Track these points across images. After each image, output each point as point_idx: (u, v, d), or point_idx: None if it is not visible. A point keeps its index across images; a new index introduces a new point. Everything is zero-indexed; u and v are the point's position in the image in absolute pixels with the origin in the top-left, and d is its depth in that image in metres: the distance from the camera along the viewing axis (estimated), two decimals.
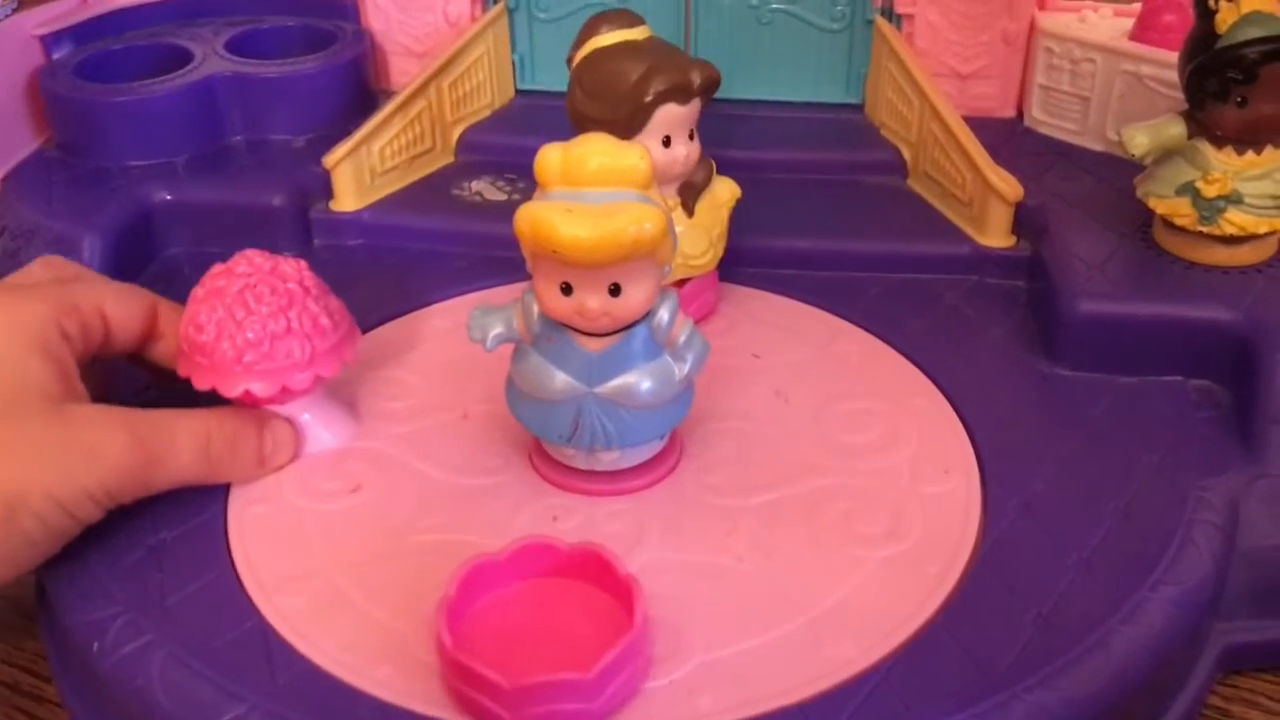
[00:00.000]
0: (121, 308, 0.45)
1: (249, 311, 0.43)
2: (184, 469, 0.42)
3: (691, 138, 0.50)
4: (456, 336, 0.50)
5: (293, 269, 0.45)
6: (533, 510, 0.44)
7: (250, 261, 0.44)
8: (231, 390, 0.43)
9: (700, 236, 0.51)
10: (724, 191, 0.53)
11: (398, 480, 0.45)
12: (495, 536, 0.41)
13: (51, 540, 0.40)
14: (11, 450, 0.38)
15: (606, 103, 0.48)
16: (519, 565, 0.39)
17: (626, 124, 0.47)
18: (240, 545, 0.43)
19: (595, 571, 0.38)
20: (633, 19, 0.50)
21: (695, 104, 0.49)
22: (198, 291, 0.44)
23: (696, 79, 0.48)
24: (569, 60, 0.50)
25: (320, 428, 0.47)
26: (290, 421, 0.46)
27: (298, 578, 0.41)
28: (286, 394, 0.44)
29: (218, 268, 0.45)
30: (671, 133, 0.48)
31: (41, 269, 0.46)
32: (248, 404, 0.45)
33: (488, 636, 0.37)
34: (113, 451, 0.40)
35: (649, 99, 0.47)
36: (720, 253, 0.53)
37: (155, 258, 0.60)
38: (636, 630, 0.35)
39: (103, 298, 0.44)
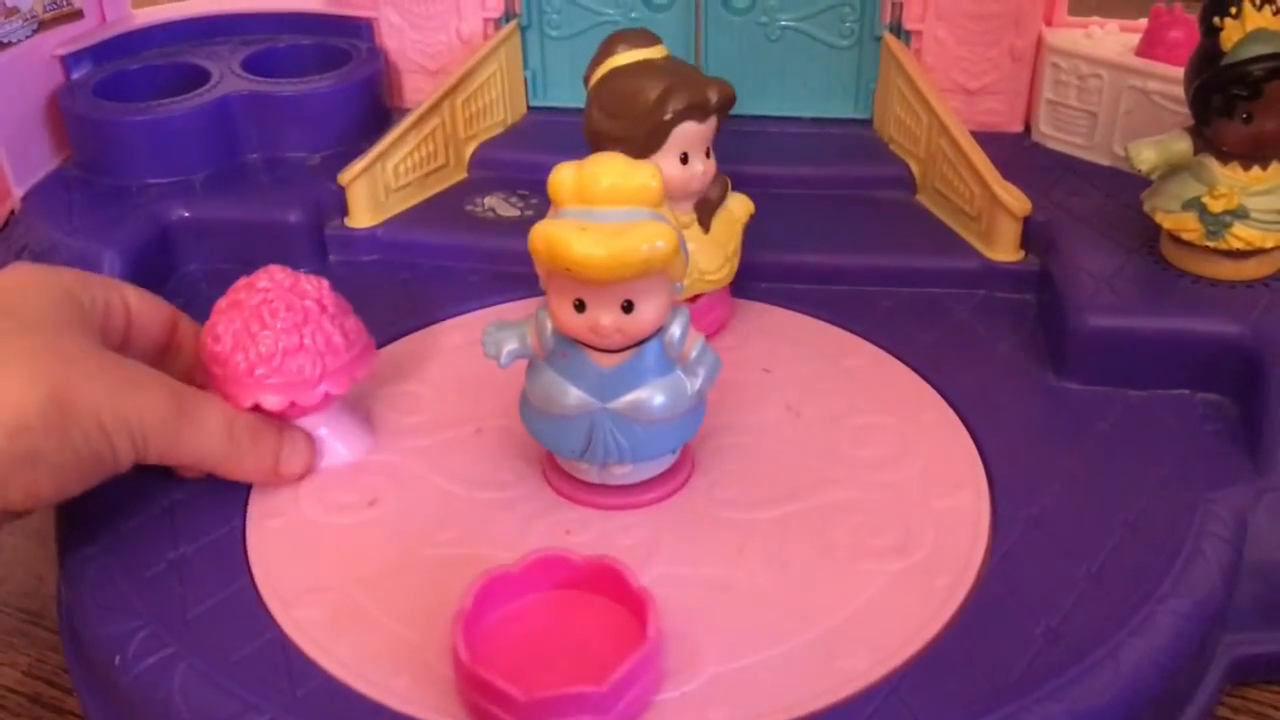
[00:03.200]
0: (144, 305, 0.46)
1: (264, 325, 0.44)
2: (208, 441, 0.43)
3: (708, 155, 0.50)
4: (470, 351, 0.50)
5: (313, 286, 0.46)
6: (546, 524, 0.44)
7: (272, 277, 0.45)
8: (243, 401, 0.44)
9: (715, 252, 0.52)
10: (739, 208, 0.53)
11: (414, 494, 0.46)
12: (509, 550, 0.42)
13: (84, 467, 0.39)
14: (62, 355, 0.39)
15: (625, 121, 0.48)
16: (534, 578, 0.39)
17: (645, 142, 0.48)
18: (259, 559, 0.43)
19: (609, 584, 0.39)
20: (650, 38, 0.51)
21: (712, 121, 0.50)
22: (220, 303, 0.45)
23: (714, 97, 0.49)
24: (586, 79, 0.51)
25: (336, 441, 0.47)
26: (307, 434, 0.47)
27: (315, 590, 0.42)
28: (297, 409, 0.45)
29: (241, 281, 0.46)
30: (689, 150, 0.49)
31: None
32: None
33: (504, 648, 0.37)
34: (152, 391, 0.41)
35: (668, 117, 0.48)
36: (735, 268, 0.53)
37: (173, 274, 0.61)
38: (650, 643, 0.36)
39: (126, 290, 0.46)
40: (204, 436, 0.43)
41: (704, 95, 0.48)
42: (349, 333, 0.46)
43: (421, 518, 0.45)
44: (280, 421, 0.46)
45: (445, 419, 0.50)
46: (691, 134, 0.49)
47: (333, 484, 0.47)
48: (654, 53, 0.50)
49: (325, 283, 0.46)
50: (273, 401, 0.44)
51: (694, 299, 0.52)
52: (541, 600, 0.39)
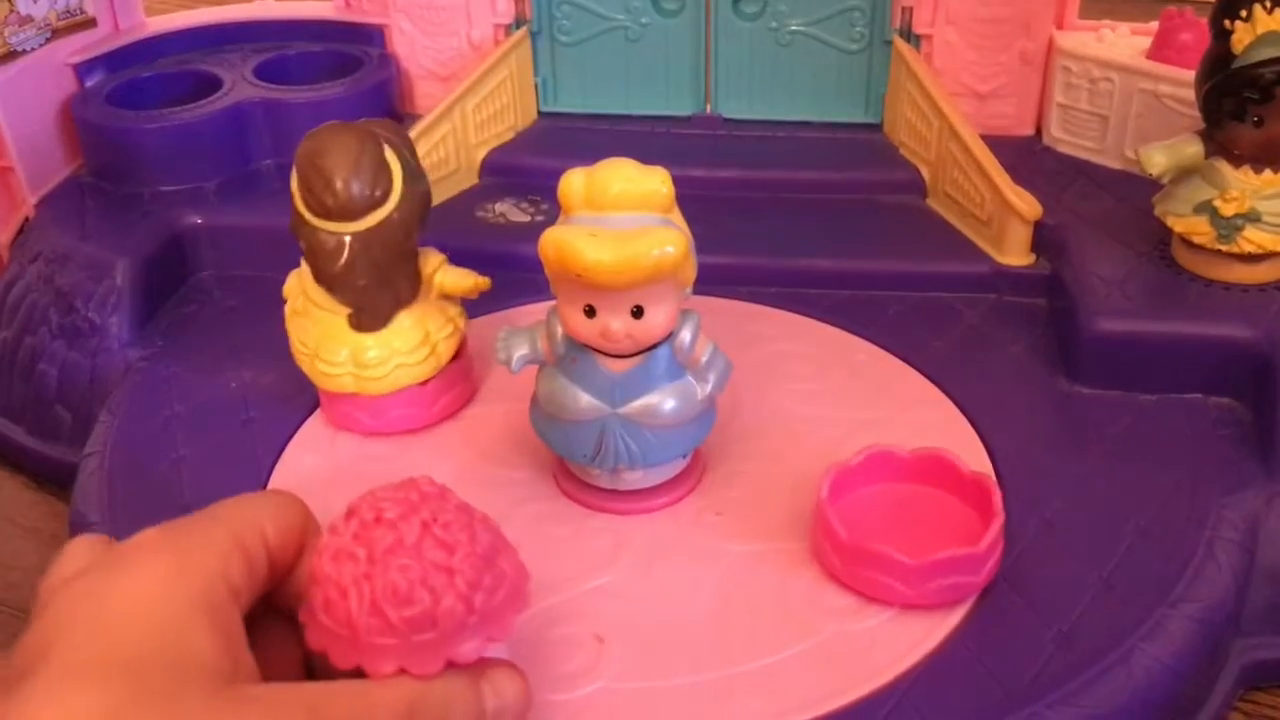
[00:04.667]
0: (279, 521, 0.34)
1: (450, 550, 0.31)
2: None
3: None
4: (482, 357, 0.51)
5: (430, 485, 0.33)
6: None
7: (395, 500, 0.32)
8: (469, 658, 0.32)
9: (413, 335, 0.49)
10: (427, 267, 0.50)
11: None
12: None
13: None
14: None
15: None
16: (871, 470, 0.44)
17: None
18: None
19: (942, 475, 0.44)
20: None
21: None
22: (353, 567, 0.31)
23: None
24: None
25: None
26: (510, 664, 0.34)
27: None
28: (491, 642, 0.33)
29: (357, 525, 0.32)
30: None
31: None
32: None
33: (863, 526, 0.41)
34: None
35: None
36: (454, 344, 0.50)
37: (186, 281, 0.61)
38: (1000, 515, 0.41)
39: (263, 519, 0.34)
40: None
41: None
42: (484, 515, 0.34)
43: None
44: (463, 673, 0.33)
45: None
46: None
47: None
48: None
49: (426, 476, 0.34)
50: (473, 647, 0.32)
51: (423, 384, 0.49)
52: (878, 491, 0.44)
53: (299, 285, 0.49)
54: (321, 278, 0.47)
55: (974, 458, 0.47)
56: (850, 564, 0.40)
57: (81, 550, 0.34)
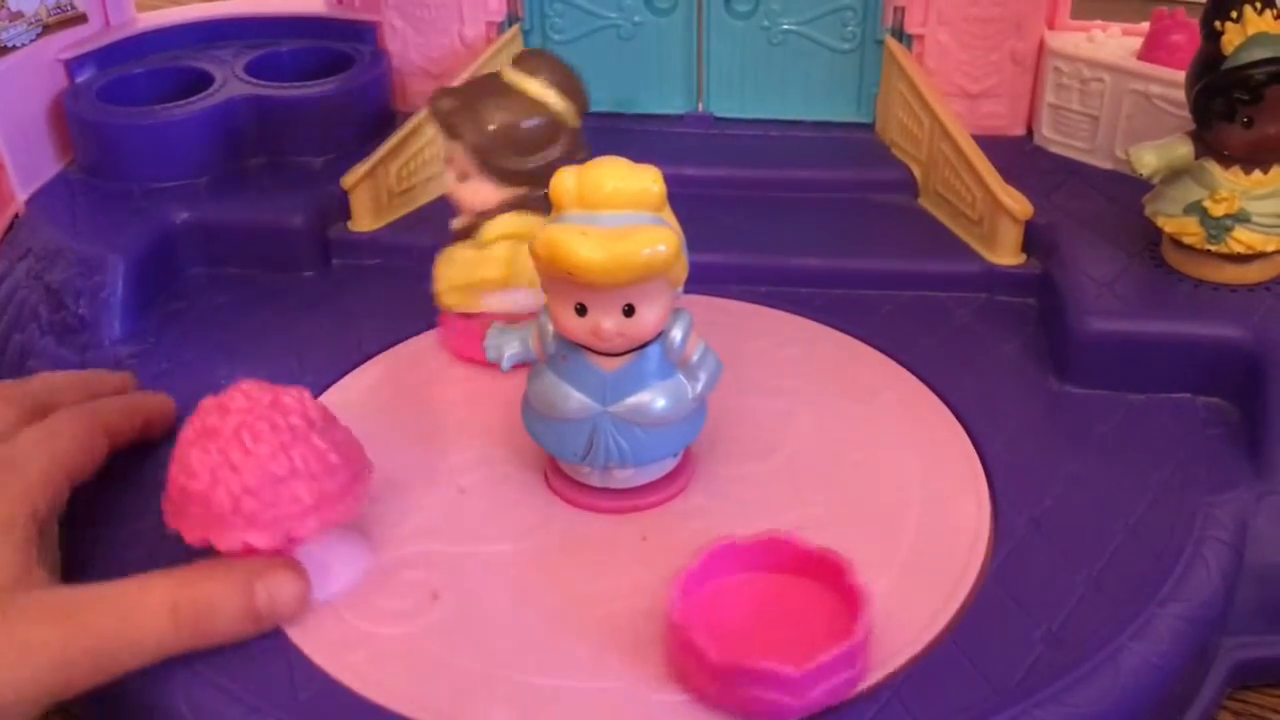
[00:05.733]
0: (77, 459, 0.42)
1: (246, 452, 0.38)
2: (148, 647, 0.37)
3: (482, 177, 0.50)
4: None
5: (294, 399, 0.40)
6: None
7: (247, 395, 0.39)
8: (228, 544, 0.38)
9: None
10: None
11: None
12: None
13: None
14: None
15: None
16: (762, 555, 0.40)
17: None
18: None
19: (831, 576, 0.39)
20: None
21: (457, 144, 0.50)
22: (187, 432, 0.39)
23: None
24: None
25: (331, 565, 0.41)
26: (292, 566, 0.40)
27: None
28: (291, 544, 0.39)
29: (208, 402, 0.40)
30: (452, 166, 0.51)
31: (2, 407, 0.44)
32: (244, 555, 0.39)
33: (718, 613, 0.38)
34: (48, 649, 0.35)
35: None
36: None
37: (177, 277, 0.61)
38: (856, 640, 0.36)
39: (70, 439, 0.42)
40: (140, 649, 0.37)
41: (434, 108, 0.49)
42: (342, 448, 0.40)
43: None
44: (251, 563, 0.39)
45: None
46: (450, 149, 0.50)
47: None
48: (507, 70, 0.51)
49: (306, 393, 0.41)
50: (263, 540, 0.38)
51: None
52: (764, 579, 0.40)
53: (521, 227, 0.50)
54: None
55: (965, 456, 0.47)
56: (722, 685, 0.36)
57: None
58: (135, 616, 0.37)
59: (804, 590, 0.40)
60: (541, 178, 0.48)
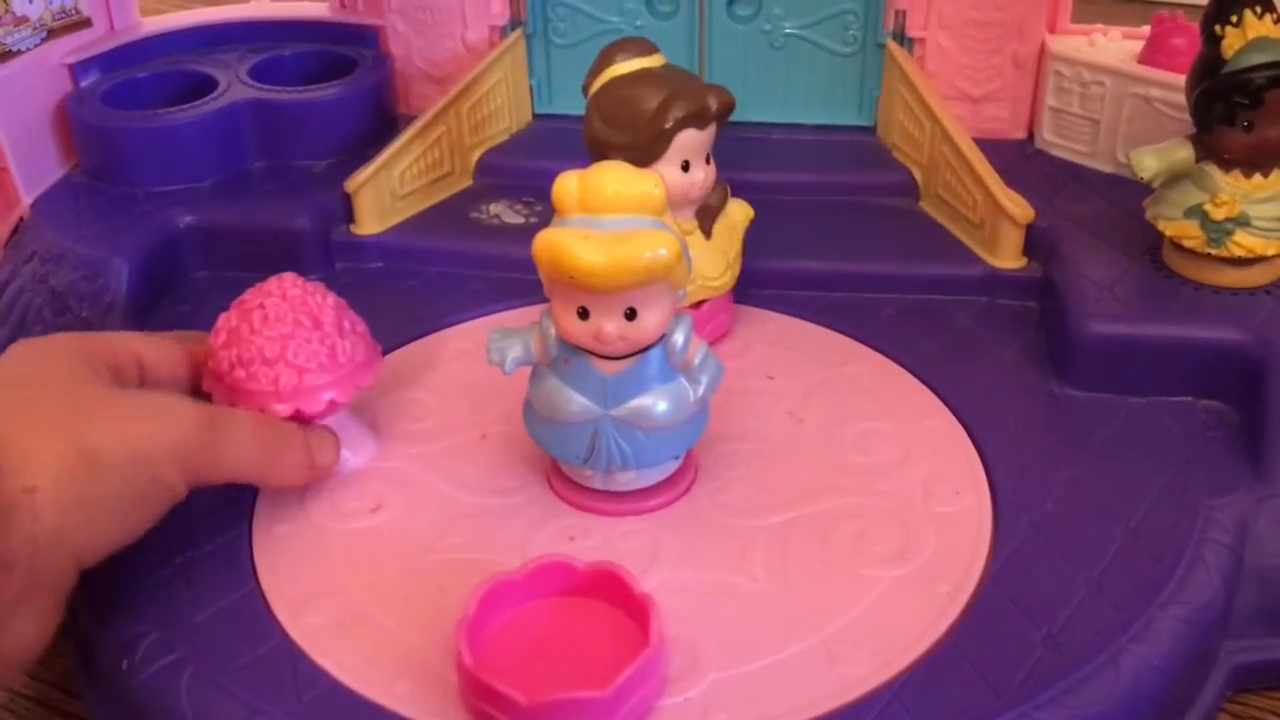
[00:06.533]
0: (154, 351, 0.46)
1: (252, 330, 0.44)
2: (245, 454, 0.43)
3: (708, 161, 0.51)
4: (475, 358, 0.51)
5: (316, 303, 0.46)
6: (550, 530, 0.45)
7: (282, 287, 0.45)
8: (218, 398, 0.45)
9: (718, 258, 0.52)
10: (738, 213, 0.54)
11: (419, 499, 0.46)
12: (513, 555, 0.42)
13: (138, 503, 0.40)
14: (78, 409, 0.39)
15: (627, 130, 0.49)
16: (537, 583, 0.39)
17: (647, 150, 0.48)
18: (266, 564, 0.44)
19: (612, 590, 0.39)
20: (648, 47, 0.51)
21: (712, 129, 0.50)
22: (236, 306, 0.46)
23: (713, 104, 0.49)
24: (585, 88, 0.51)
25: (343, 448, 0.47)
26: (328, 428, 0.47)
27: (320, 595, 0.42)
28: (301, 415, 0.45)
29: (260, 285, 0.46)
30: (690, 157, 0.49)
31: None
32: None
33: (507, 654, 0.38)
34: (179, 416, 0.41)
35: (669, 125, 0.48)
36: (737, 273, 0.54)
37: (181, 280, 0.61)
38: (652, 649, 0.36)
39: (133, 342, 0.45)
40: (239, 449, 0.43)
41: (704, 103, 0.49)
42: (351, 343, 0.46)
43: (426, 524, 0.45)
44: (298, 421, 0.46)
45: (450, 425, 0.50)
46: (692, 141, 0.49)
47: (339, 490, 0.47)
48: (652, 61, 0.50)
49: (332, 296, 0.46)
50: (239, 406, 0.44)
51: (697, 305, 0.53)
52: (545, 606, 0.40)
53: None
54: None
55: (966, 459, 0.48)
56: (470, 694, 0.36)
57: None
58: (235, 429, 0.43)
59: (587, 609, 0.39)
60: None
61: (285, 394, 0.44)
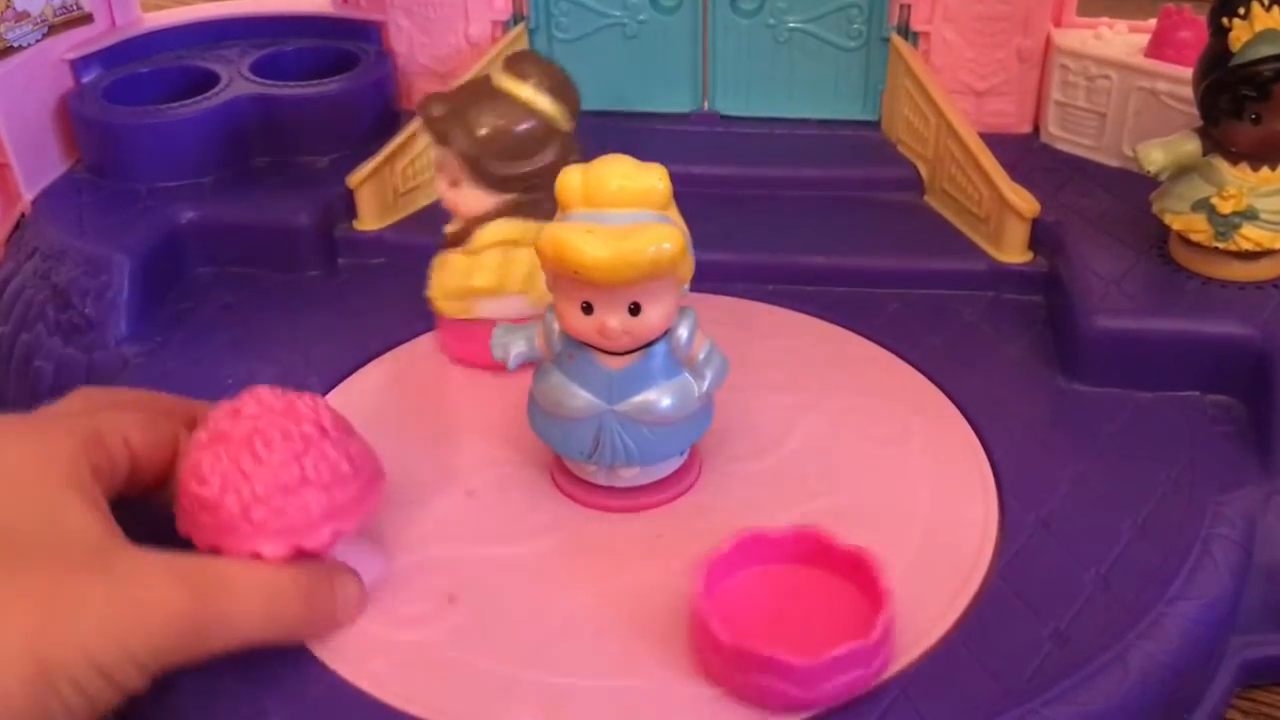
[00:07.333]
0: (147, 439, 0.39)
1: (257, 460, 0.37)
2: (248, 629, 0.36)
3: (461, 185, 0.50)
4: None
5: (308, 407, 0.39)
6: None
7: (260, 400, 0.38)
8: (237, 551, 0.37)
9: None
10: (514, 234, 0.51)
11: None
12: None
13: (89, 711, 0.33)
14: (49, 606, 0.33)
15: None
16: (743, 555, 0.40)
17: None
18: None
19: (813, 553, 0.40)
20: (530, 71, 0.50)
21: (450, 152, 0.49)
22: (200, 435, 0.38)
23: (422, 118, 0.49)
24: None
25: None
26: (350, 570, 0.40)
27: None
28: (301, 554, 0.38)
29: (224, 407, 0.39)
30: (441, 172, 0.50)
31: (80, 402, 0.42)
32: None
33: (744, 623, 0.37)
34: (165, 609, 0.34)
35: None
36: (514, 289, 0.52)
37: (183, 277, 0.61)
38: (893, 596, 0.37)
39: (128, 427, 0.39)
40: (242, 628, 0.36)
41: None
42: (355, 458, 0.39)
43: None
44: (329, 563, 0.39)
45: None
46: (440, 155, 0.49)
47: None
48: (515, 86, 0.50)
49: (321, 400, 0.40)
50: (273, 549, 0.37)
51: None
52: (752, 575, 0.40)
53: (513, 233, 0.50)
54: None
55: (972, 455, 0.47)
56: (731, 669, 0.37)
57: None
58: (243, 594, 0.36)
59: (830, 586, 0.40)
60: (534, 183, 0.48)
61: (316, 519, 0.38)
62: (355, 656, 0.39)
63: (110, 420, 0.39)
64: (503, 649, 0.39)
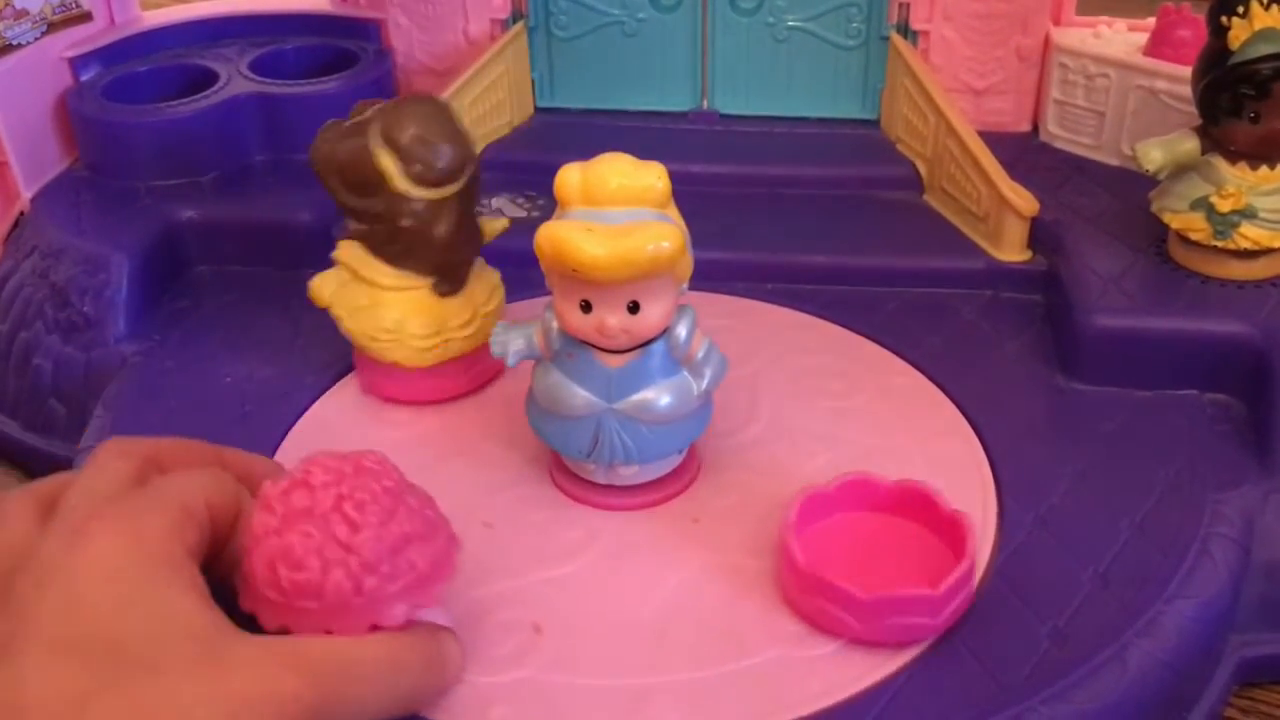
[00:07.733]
0: (219, 498, 0.36)
1: (355, 527, 0.33)
2: (374, 707, 0.33)
3: None
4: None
5: (375, 463, 0.35)
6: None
7: (326, 468, 0.34)
8: (354, 630, 0.34)
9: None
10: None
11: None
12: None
13: None
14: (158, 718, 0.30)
15: None
16: (846, 496, 0.42)
17: None
18: None
19: (918, 509, 0.42)
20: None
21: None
22: (267, 520, 0.34)
23: None
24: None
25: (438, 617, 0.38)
26: (450, 631, 0.38)
27: None
28: (418, 611, 0.35)
29: (282, 486, 0.34)
30: None
31: (118, 460, 0.36)
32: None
33: (829, 555, 0.39)
34: (280, 700, 0.31)
35: None
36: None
37: (182, 275, 0.61)
38: (970, 559, 0.39)
39: (204, 490, 0.35)
40: (362, 707, 0.33)
41: None
42: (429, 504, 0.36)
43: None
44: (433, 625, 0.37)
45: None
46: None
47: None
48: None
49: (380, 453, 0.36)
50: (392, 616, 0.34)
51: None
52: (853, 519, 0.42)
53: (345, 277, 0.49)
54: (418, 248, 0.47)
55: (970, 453, 0.47)
56: (803, 591, 0.39)
57: (16, 512, 0.34)
58: (361, 671, 0.33)
59: (926, 543, 0.41)
60: (368, 221, 0.48)
61: (426, 576, 0.34)
62: (474, 709, 0.37)
63: (188, 486, 0.35)
64: (612, 661, 0.39)
